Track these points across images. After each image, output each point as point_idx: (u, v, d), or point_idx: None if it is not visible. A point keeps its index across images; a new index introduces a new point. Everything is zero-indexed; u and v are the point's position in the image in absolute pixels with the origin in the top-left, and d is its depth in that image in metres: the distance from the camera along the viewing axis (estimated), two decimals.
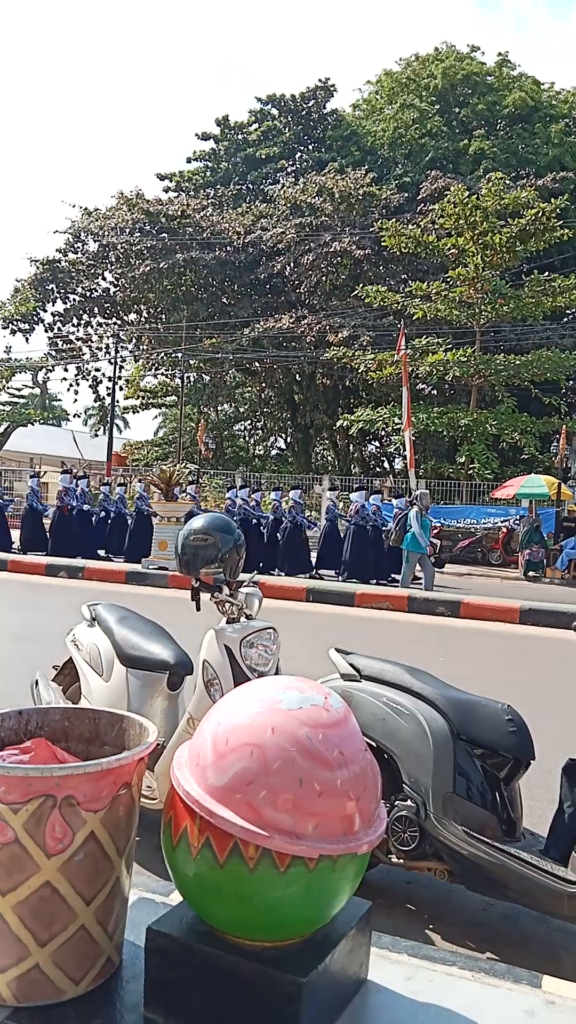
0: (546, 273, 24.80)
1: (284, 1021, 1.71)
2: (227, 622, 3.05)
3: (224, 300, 34.13)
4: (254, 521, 15.06)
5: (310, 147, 37.42)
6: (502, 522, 19.61)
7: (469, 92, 34.53)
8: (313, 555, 14.98)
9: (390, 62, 63.07)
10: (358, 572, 13.65)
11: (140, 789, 1.91)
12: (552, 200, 23.20)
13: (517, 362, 23.55)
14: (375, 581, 13.52)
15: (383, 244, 25.98)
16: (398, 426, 23.19)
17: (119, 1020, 1.75)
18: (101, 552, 15.92)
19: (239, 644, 2.95)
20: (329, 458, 38.70)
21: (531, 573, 16.71)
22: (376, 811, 1.95)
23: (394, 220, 25.78)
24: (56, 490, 16.66)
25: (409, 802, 2.78)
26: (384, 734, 2.89)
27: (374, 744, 2.94)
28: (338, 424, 28.54)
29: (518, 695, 5.73)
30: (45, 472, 29.74)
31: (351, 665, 3.12)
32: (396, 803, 2.83)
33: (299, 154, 37.55)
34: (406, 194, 30.27)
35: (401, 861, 2.82)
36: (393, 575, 13.69)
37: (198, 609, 3.14)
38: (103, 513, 16.93)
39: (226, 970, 1.76)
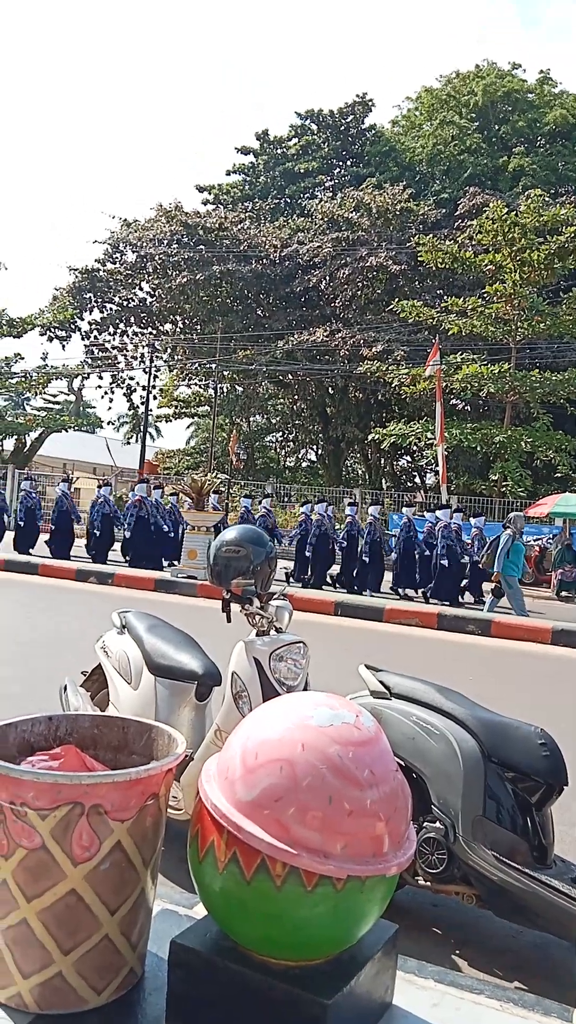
0: None
1: None
2: (257, 634, 3.03)
3: (259, 312, 34.33)
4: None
5: (348, 162, 37.60)
6: (535, 541, 19.38)
7: (509, 109, 34.46)
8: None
9: (430, 79, 63.29)
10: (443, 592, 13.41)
11: (167, 800, 1.90)
12: None
13: (553, 379, 23.33)
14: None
15: (419, 259, 25.97)
16: (430, 441, 23.11)
17: None
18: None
19: (268, 657, 2.93)
20: (360, 471, 38.62)
21: (564, 593, 16.47)
22: (406, 833, 1.91)
23: (431, 236, 25.76)
24: (91, 497, 16.78)
25: (438, 824, 2.74)
26: (413, 754, 2.85)
27: (403, 764, 2.90)
28: (370, 438, 28.49)
29: (549, 717, 5.63)
30: (77, 478, 30.07)
31: (381, 682, 3.08)
32: (425, 824, 2.79)
33: (337, 169, 37.75)
34: (444, 210, 30.24)
35: (428, 884, 2.77)
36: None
37: (228, 620, 3.13)
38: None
39: (250, 988, 1.73)
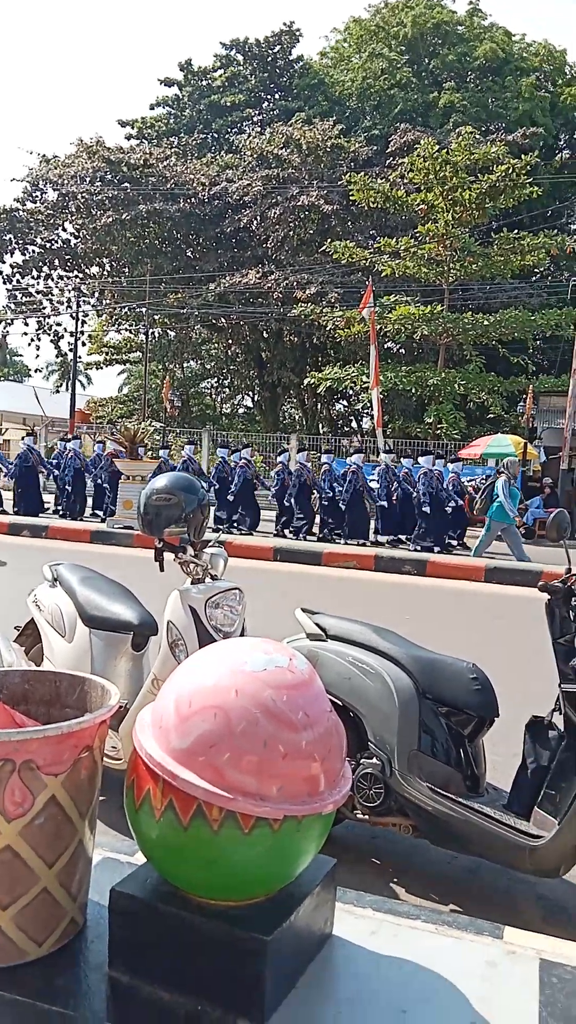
0: (515, 231, 24.62)
1: (249, 978, 1.72)
2: (192, 583, 3.01)
3: (189, 254, 33.42)
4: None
5: (276, 96, 36.44)
6: (468, 482, 19.74)
7: (439, 42, 33.77)
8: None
9: (358, 8, 61.34)
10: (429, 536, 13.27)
11: (102, 751, 1.88)
12: (522, 156, 22.92)
13: (485, 321, 23.49)
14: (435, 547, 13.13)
15: (351, 198, 25.55)
16: (366, 385, 23.10)
17: (83, 980, 1.75)
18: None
19: (204, 605, 2.92)
20: (297, 417, 38.51)
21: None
22: (341, 771, 1.94)
23: (363, 174, 25.32)
24: (18, 450, 16.26)
25: (375, 760, 2.80)
26: (350, 693, 2.89)
27: (340, 703, 2.95)
28: (306, 382, 28.34)
29: (483, 653, 5.81)
30: (7, 429, 29.17)
31: (317, 625, 3.11)
32: (362, 761, 2.85)
33: (265, 103, 36.57)
34: (375, 147, 29.69)
35: (366, 817, 2.85)
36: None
37: (162, 569, 3.10)
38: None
39: (190, 930, 1.75)
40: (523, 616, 8.07)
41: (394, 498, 13.93)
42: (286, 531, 14.16)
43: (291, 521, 14.23)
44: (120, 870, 2.07)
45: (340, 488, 13.74)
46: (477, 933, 2.20)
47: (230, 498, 14.60)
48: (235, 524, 14.48)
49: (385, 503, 13.71)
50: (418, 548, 12.78)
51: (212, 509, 14.45)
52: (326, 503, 14.22)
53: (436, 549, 12.83)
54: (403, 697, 2.79)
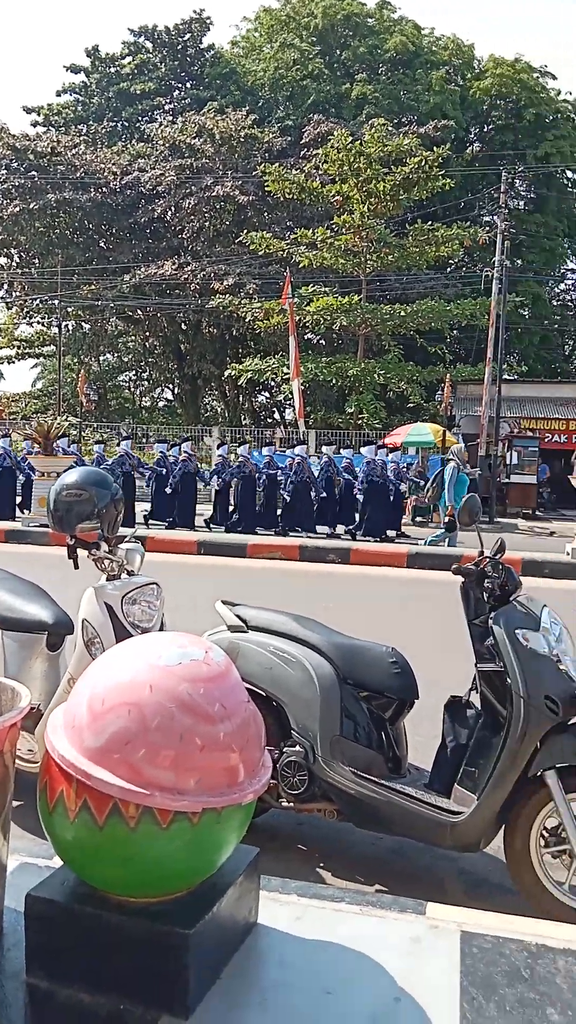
0: (429, 223, 25.05)
1: (171, 973, 1.70)
2: (107, 579, 2.95)
3: (102, 244, 32.72)
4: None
5: (187, 84, 35.99)
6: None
7: (350, 34, 33.98)
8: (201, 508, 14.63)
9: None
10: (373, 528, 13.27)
11: (13, 755, 1.83)
12: (434, 149, 23.31)
13: (403, 312, 23.84)
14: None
15: (267, 189, 25.50)
16: (287, 376, 23.14)
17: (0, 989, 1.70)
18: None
19: (120, 601, 2.87)
20: (219, 409, 38.31)
21: (418, 519, 17.23)
22: (261, 760, 1.94)
23: (277, 164, 25.29)
24: None
25: (298, 747, 2.82)
26: (272, 683, 2.90)
27: (263, 693, 2.95)
28: (226, 374, 28.20)
29: (405, 637, 5.90)
30: None
31: (238, 616, 3.10)
32: (285, 749, 2.86)
33: (176, 91, 36.07)
34: (289, 138, 29.68)
35: (291, 805, 2.87)
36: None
37: (76, 567, 3.03)
38: None
39: (110, 929, 1.72)
40: (444, 600, 8.26)
41: (336, 489, 14.12)
42: (212, 526, 14.02)
43: (224, 516, 14.10)
44: (37, 874, 2.01)
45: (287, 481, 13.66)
46: (401, 911, 2.24)
47: (168, 490, 14.25)
48: (175, 519, 14.06)
49: (324, 494, 13.83)
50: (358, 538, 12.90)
51: (149, 504, 14.24)
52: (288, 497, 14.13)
53: (382, 537, 12.99)
54: (324, 684, 2.81)
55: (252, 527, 13.43)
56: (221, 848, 1.83)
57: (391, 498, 13.76)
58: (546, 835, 2.53)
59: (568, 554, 10.77)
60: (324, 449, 15.57)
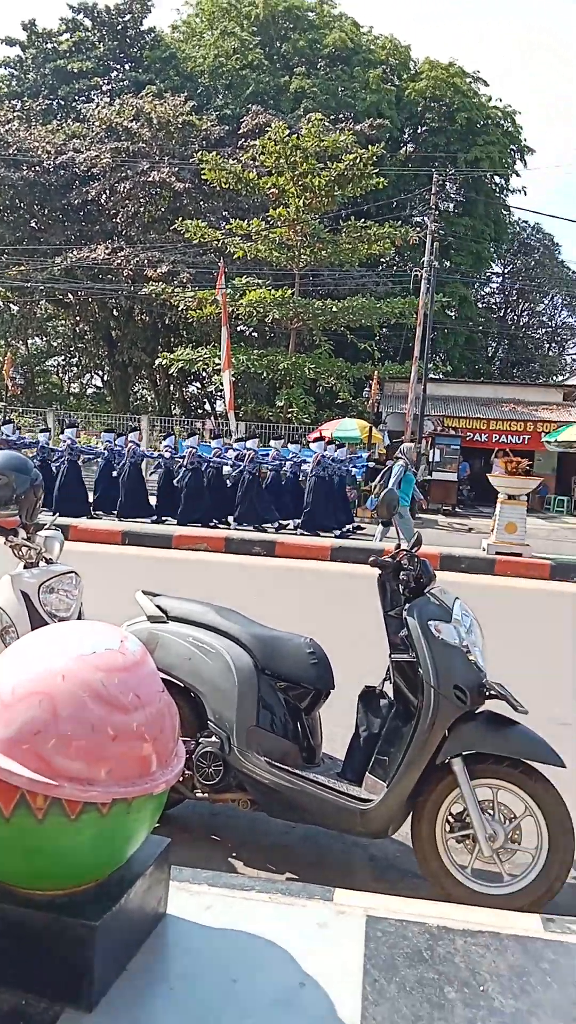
0: (362, 220, 25.27)
1: (77, 966, 1.70)
2: (24, 567, 2.90)
3: (33, 225, 31.79)
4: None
5: (126, 66, 35.26)
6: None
7: (290, 27, 33.91)
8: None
9: None
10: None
11: None
12: (369, 147, 23.52)
13: (334, 307, 24.00)
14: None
15: (203, 177, 25.26)
16: (219, 367, 23.01)
17: None
18: None
19: (37, 590, 2.82)
20: (149, 398, 37.81)
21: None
22: (174, 750, 1.95)
23: (215, 153, 25.07)
24: None
25: (214, 738, 2.83)
26: (190, 673, 2.90)
27: (181, 684, 2.95)
28: (157, 363, 27.84)
29: (326, 628, 5.97)
30: None
31: (158, 607, 3.09)
32: (201, 740, 2.87)
33: (114, 72, 35.29)
34: (227, 127, 29.43)
35: (206, 795, 2.88)
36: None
37: None
38: None
39: (14, 923, 1.70)
40: (365, 592, 8.40)
41: (282, 483, 14.11)
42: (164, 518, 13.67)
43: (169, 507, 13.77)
44: None
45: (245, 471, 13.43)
46: (309, 897, 2.29)
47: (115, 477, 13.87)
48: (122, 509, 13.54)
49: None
50: (306, 533, 12.88)
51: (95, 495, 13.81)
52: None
53: (331, 533, 13.02)
54: (242, 674, 2.83)
55: (205, 519, 13.29)
56: (131, 839, 1.82)
57: (338, 492, 13.88)
58: (451, 821, 2.62)
59: (484, 550, 11.09)
60: (272, 443, 15.61)
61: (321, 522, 13.23)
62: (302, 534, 12.75)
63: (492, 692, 2.58)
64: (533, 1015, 1.82)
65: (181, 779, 2.88)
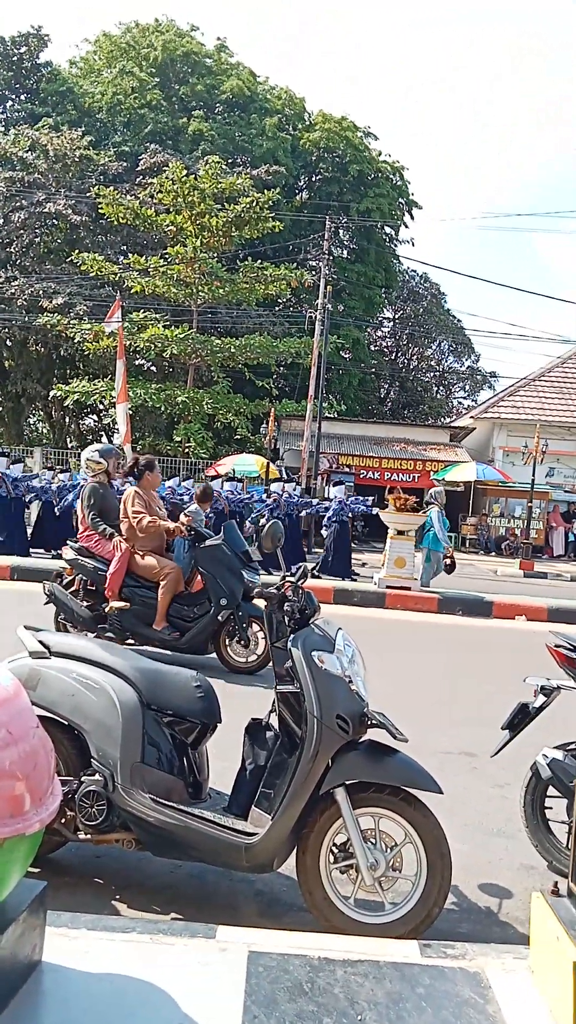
0: (259, 261, 25.79)
1: None
2: None
3: None
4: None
5: (22, 97, 34.92)
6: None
7: (188, 71, 34.55)
8: None
9: (109, 24, 60.41)
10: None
11: None
12: (266, 191, 24.14)
13: (232, 345, 24.28)
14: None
15: (101, 212, 25.19)
16: (115, 400, 22.76)
17: None
18: None
19: None
20: (43, 430, 36.84)
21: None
22: (49, 789, 1.89)
23: (112, 188, 25.08)
24: None
25: (97, 776, 2.76)
26: (73, 710, 2.83)
27: (65, 721, 2.87)
28: (52, 394, 27.24)
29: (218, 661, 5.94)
30: None
31: (40, 642, 3.00)
32: (84, 779, 2.79)
33: (9, 102, 34.88)
34: (125, 163, 29.52)
35: (89, 836, 2.79)
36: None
37: None
38: None
39: None
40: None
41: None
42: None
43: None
44: None
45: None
46: (191, 936, 2.25)
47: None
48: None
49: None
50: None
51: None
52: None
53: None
54: (127, 710, 2.78)
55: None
56: (3, 882, 1.75)
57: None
58: (335, 851, 2.64)
59: (376, 584, 11.33)
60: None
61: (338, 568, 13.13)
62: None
63: (373, 721, 2.63)
64: None
65: (62, 820, 2.79)
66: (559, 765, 3.13)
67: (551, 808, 3.26)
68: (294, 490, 14.41)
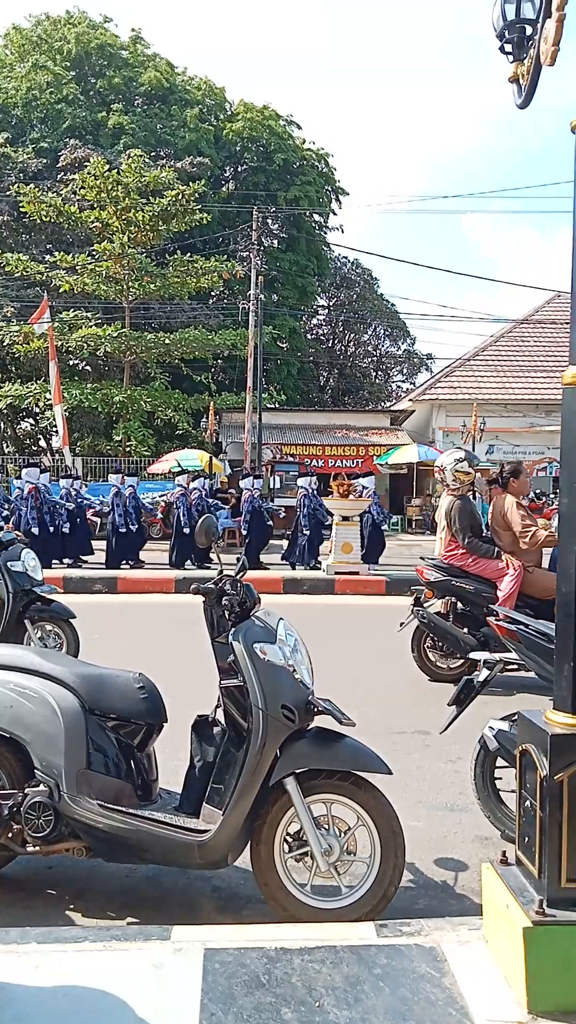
0: (189, 255, 25.54)
1: None
2: None
3: None
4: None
5: None
6: (160, 497, 20.00)
7: (105, 63, 33.90)
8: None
9: (17, 16, 58.75)
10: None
11: None
12: (191, 184, 23.88)
13: (166, 340, 24.02)
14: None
15: (23, 211, 24.60)
16: (50, 402, 22.33)
17: None
18: None
19: None
20: None
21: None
22: None
23: (33, 186, 24.50)
24: None
25: (42, 787, 2.70)
26: (12, 721, 2.76)
27: (5, 734, 2.80)
28: None
29: (169, 660, 5.90)
30: None
31: None
32: (28, 791, 2.73)
33: None
34: (45, 160, 28.88)
35: (37, 848, 2.73)
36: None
37: None
38: None
39: None
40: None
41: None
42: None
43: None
44: None
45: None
46: (145, 939, 2.22)
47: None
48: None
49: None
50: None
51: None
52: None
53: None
54: (68, 717, 2.72)
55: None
56: None
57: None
58: (289, 840, 2.63)
59: (324, 570, 11.39)
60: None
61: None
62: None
63: (319, 709, 2.63)
64: (366, 1021, 1.86)
65: (9, 834, 2.72)
66: (505, 736, 3.18)
67: (501, 779, 3.31)
68: (252, 485, 14.03)
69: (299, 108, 75.24)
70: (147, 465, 22.80)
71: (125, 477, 13.84)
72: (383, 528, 13.49)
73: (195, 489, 14.06)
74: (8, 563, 5.80)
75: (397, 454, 24.49)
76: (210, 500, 14.80)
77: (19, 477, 13.54)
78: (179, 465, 17.96)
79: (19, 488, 12.89)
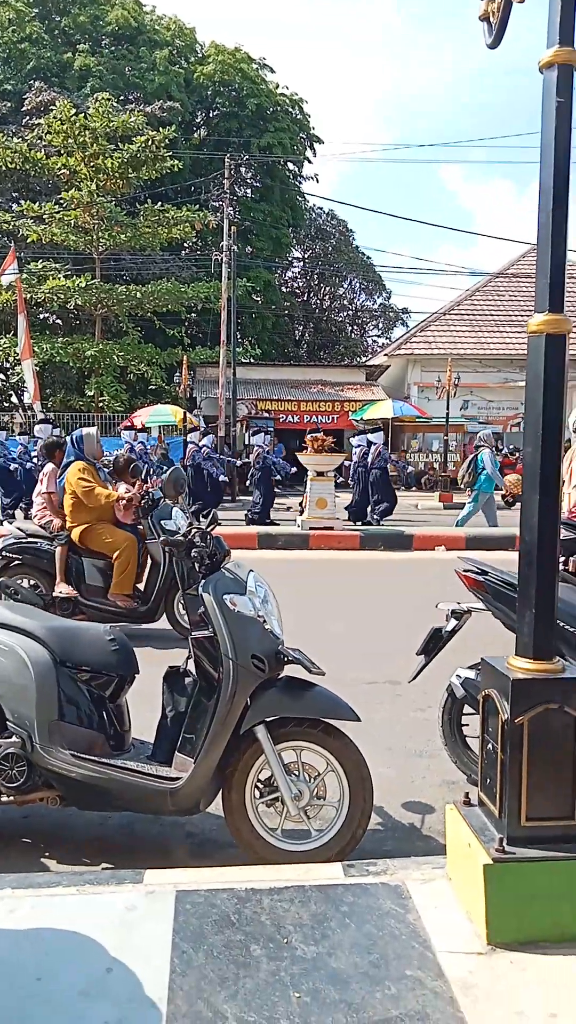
0: (160, 204, 24.93)
1: None
2: None
3: None
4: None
5: None
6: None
7: (70, 1, 32.56)
8: None
9: None
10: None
11: None
12: (161, 129, 23.18)
13: (138, 293, 23.54)
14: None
15: None
16: (20, 357, 21.90)
17: None
18: None
19: None
20: None
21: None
22: None
23: None
24: None
25: (14, 738, 2.72)
26: None
27: None
28: None
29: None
30: None
31: None
32: (0, 742, 2.74)
33: None
34: (8, 103, 27.86)
35: (11, 799, 2.76)
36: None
37: None
38: None
39: None
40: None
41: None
42: None
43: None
44: None
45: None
46: (118, 884, 2.27)
47: None
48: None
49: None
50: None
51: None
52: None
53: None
54: (39, 669, 2.73)
55: None
56: None
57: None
58: (260, 786, 2.69)
59: (299, 526, 11.43)
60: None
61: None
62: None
63: (289, 658, 2.66)
64: (332, 955, 1.92)
65: None
66: (471, 684, 3.25)
67: (467, 725, 3.39)
68: (263, 441, 14.31)
69: (271, 54, 73.02)
70: (121, 420, 22.55)
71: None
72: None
73: (204, 445, 15.01)
74: (161, 521, 5.62)
75: (372, 410, 24.44)
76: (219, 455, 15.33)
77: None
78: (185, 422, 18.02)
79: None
